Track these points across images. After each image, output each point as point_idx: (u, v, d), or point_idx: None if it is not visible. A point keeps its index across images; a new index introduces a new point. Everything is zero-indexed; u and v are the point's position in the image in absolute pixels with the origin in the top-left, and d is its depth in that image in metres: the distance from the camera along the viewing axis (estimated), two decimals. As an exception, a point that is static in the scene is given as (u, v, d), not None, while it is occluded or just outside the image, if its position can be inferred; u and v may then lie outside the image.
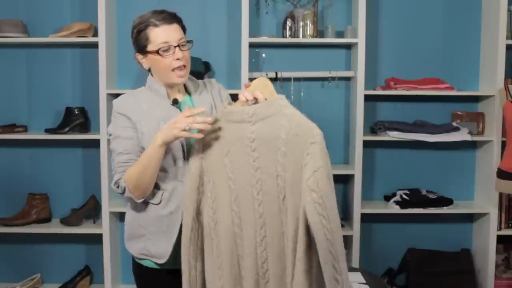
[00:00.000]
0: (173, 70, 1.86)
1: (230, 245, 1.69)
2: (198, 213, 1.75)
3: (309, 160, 1.54)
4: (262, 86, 1.71)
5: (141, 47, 1.88)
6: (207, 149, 1.74)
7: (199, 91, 2.00)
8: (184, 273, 1.77)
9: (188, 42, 1.90)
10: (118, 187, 1.84)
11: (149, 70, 1.96)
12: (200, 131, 1.70)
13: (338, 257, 1.58)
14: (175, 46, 1.84)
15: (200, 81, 2.06)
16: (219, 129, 1.71)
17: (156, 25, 1.84)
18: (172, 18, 1.87)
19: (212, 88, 2.05)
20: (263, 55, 3.36)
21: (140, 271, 1.99)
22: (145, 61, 1.91)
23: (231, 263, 1.69)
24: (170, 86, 1.93)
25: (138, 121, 1.87)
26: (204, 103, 1.97)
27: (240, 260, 1.69)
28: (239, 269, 1.70)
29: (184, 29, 1.92)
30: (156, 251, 1.90)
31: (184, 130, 1.69)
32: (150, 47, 1.85)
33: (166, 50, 1.84)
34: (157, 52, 1.84)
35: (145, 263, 1.95)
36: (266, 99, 1.67)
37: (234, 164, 1.67)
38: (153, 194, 1.89)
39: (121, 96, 1.95)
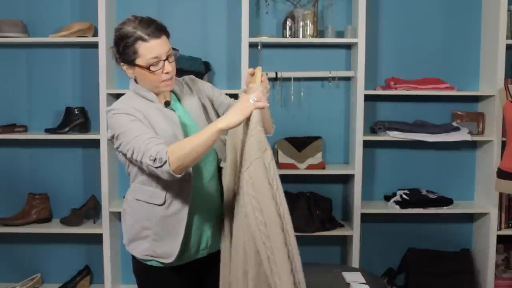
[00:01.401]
0: (162, 81, 1.86)
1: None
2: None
3: (247, 150, 1.69)
4: (254, 78, 1.85)
5: (129, 60, 1.85)
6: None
7: (185, 91, 2.01)
8: None
9: (173, 49, 1.88)
10: (154, 160, 1.71)
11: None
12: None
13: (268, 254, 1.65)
14: (164, 60, 1.83)
15: (181, 79, 2.05)
16: None
17: (145, 40, 1.80)
18: (159, 30, 1.83)
19: (196, 86, 2.05)
20: (259, 47, 3.31)
21: (143, 271, 1.98)
22: (131, 72, 1.89)
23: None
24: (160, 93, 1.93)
25: (145, 121, 1.84)
26: (193, 103, 1.99)
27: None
28: None
29: (169, 36, 1.89)
30: (162, 252, 1.90)
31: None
32: (139, 61, 1.83)
33: (155, 64, 1.82)
34: (147, 68, 1.82)
35: (149, 263, 1.94)
36: None
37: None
38: (155, 195, 1.88)
39: (116, 103, 1.90)
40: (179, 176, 1.73)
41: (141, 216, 1.92)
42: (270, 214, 1.61)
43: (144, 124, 1.82)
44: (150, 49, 1.81)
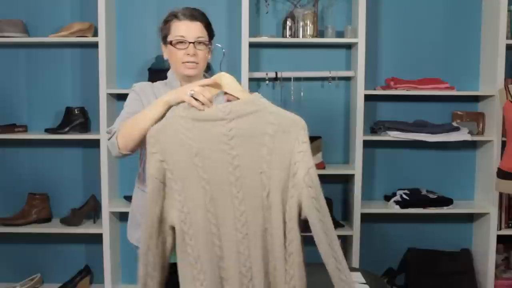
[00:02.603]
0: (183, 63, 1.92)
1: (209, 248, 1.63)
2: (160, 220, 1.64)
3: (302, 158, 1.60)
4: (234, 84, 1.70)
5: (163, 36, 1.97)
6: (169, 151, 1.63)
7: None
8: (140, 284, 1.67)
9: (207, 43, 1.95)
10: (109, 133, 1.84)
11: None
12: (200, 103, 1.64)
13: (335, 248, 1.63)
14: (190, 42, 1.90)
15: None
16: (184, 127, 1.62)
17: (179, 19, 1.92)
18: (197, 17, 1.93)
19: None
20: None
21: None
22: (165, 51, 2.00)
23: (211, 266, 1.64)
24: (186, 81, 1.95)
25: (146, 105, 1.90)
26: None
27: (220, 261, 1.65)
28: (219, 271, 1.65)
29: (209, 31, 1.97)
30: None
31: (189, 96, 1.65)
32: (169, 38, 1.94)
33: (181, 43, 1.90)
34: (171, 43, 1.91)
35: None
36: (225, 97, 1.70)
37: (207, 164, 1.62)
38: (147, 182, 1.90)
39: (141, 82, 2.05)
40: (125, 152, 1.79)
41: (136, 203, 2.00)
42: (328, 214, 1.63)
43: (138, 103, 1.92)
44: (180, 27, 1.91)
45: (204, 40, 1.93)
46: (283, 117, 1.61)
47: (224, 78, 1.70)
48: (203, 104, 1.62)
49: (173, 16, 1.93)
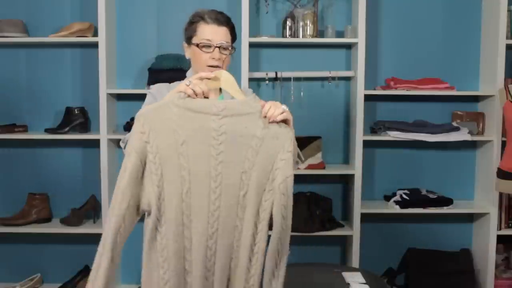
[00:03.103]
0: (207, 66, 1.92)
1: (178, 238, 1.66)
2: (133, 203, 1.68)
3: (283, 165, 1.66)
4: (231, 82, 1.77)
5: (188, 37, 1.97)
6: (156, 134, 1.64)
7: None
8: (104, 263, 1.72)
9: (231, 48, 1.95)
10: (124, 141, 1.87)
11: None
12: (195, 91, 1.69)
13: (282, 255, 1.69)
14: (215, 47, 1.91)
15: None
16: (176, 115, 1.64)
17: (206, 22, 1.93)
18: (224, 21, 1.94)
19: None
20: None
21: None
22: (188, 51, 2.01)
23: (178, 256, 1.66)
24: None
25: None
26: None
27: (187, 254, 1.68)
28: (184, 263, 1.68)
29: (233, 36, 1.98)
30: None
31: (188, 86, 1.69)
32: (194, 40, 1.94)
33: (207, 47, 1.91)
34: (197, 45, 1.92)
35: None
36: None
37: (191, 154, 1.64)
38: None
39: (160, 83, 2.05)
40: None
41: None
42: (290, 224, 1.69)
43: None
44: (207, 30, 1.92)
45: (229, 45, 1.95)
46: (274, 124, 1.67)
47: (224, 75, 1.77)
48: (197, 95, 1.66)
49: (200, 18, 1.94)
